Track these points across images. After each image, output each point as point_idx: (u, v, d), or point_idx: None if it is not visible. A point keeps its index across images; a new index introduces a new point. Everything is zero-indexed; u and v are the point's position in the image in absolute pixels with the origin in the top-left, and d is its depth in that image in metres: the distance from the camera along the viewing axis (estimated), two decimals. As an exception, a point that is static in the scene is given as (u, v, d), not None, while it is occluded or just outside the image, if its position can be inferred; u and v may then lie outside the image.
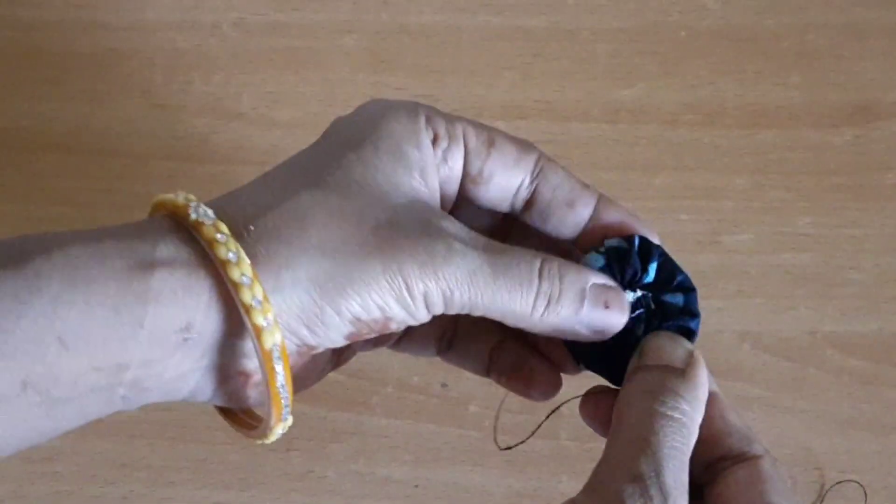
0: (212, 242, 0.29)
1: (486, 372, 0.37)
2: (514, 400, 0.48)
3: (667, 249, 0.49)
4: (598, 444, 0.47)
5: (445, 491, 0.47)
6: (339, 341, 0.31)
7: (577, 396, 0.35)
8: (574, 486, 0.47)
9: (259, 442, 0.33)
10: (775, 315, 0.48)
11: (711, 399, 0.32)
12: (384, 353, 0.48)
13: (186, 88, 0.51)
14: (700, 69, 0.51)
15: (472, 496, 0.47)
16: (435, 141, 0.33)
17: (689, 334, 0.34)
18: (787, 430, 0.48)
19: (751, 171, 0.50)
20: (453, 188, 0.34)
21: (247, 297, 0.29)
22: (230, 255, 0.29)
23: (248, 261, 0.29)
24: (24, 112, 0.51)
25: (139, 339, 0.28)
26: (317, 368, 0.34)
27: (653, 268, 0.34)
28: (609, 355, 0.33)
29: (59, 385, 0.28)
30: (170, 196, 0.31)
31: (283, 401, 0.30)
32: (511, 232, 0.35)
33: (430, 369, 0.48)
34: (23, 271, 0.28)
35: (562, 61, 0.51)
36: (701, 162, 0.50)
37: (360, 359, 0.48)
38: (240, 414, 0.33)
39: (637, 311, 0.34)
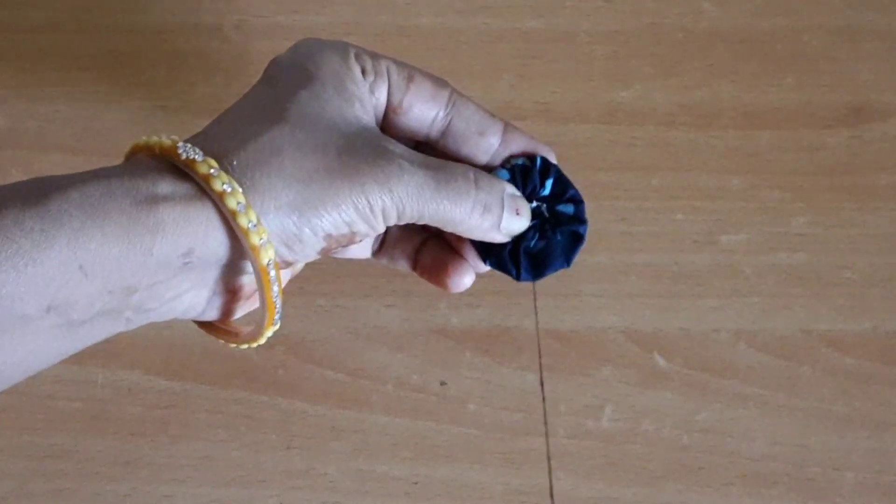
0: (207, 177, 0.33)
1: (412, 268, 0.42)
2: (512, 399, 0.48)
3: (664, 248, 0.50)
4: (597, 443, 0.48)
5: (444, 488, 0.47)
6: (312, 256, 0.36)
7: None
8: (571, 484, 0.47)
9: (245, 346, 0.37)
10: (770, 314, 0.49)
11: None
12: (383, 352, 0.48)
13: (189, 90, 0.51)
14: (696, 71, 0.51)
15: (471, 493, 0.47)
16: (363, 74, 0.37)
17: (579, 238, 0.41)
18: (782, 428, 0.48)
19: (746, 171, 0.50)
20: (378, 117, 0.38)
21: (244, 221, 0.33)
22: (225, 186, 0.33)
23: (240, 190, 0.33)
24: (29, 113, 0.51)
25: (148, 265, 0.32)
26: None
27: (549, 183, 0.41)
28: (508, 254, 0.40)
29: (77, 308, 0.32)
30: (154, 139, 0.35)
31: (276, 308, 0.35)
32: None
33: (430, 368, 0.48)
34: (46, 208, 0.31)
35: (559, 63, 0.51)
36: (697, 163, 0.50)
37: (360, 358, 0.49)
38: (221, 325, 0.38)
39: (534, 220, 0.40)
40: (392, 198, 0.35)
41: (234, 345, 0.38)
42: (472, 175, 0.37)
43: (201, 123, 0.50)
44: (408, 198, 0.35)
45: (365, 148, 0.35)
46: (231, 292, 0.36)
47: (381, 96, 0.38)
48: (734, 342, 0.49)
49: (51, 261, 0.31)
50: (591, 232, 0.49)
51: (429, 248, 0.42)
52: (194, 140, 0.35)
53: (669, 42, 0.52)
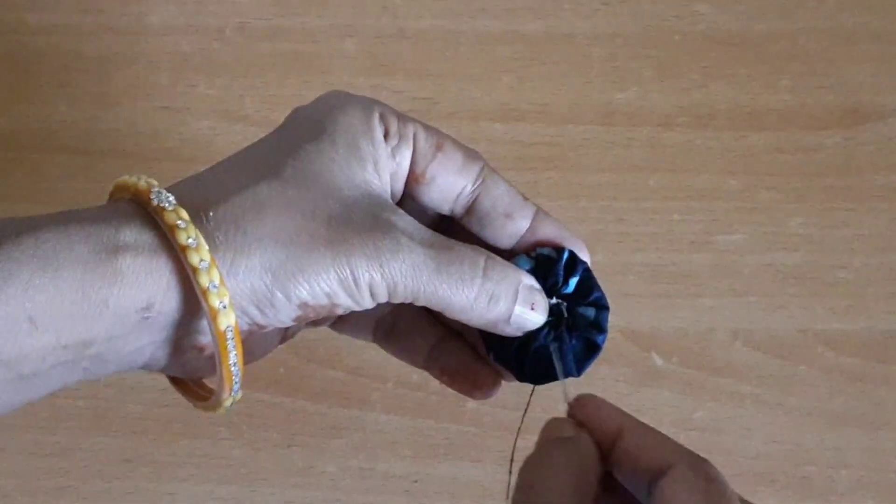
0: (172, 228, 0.31)
1: (423, 365, 0.39)
2: (511, 398, 0.49)
3: (661, 248, 0.50)
4: (594, 440, 0.48)
5: (444, 486, 0.48)
6: (287, 322, 0.33)
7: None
8: (570, 481, 0.48)
9: (208, 412, 0.34)
10: (767, 313, 0.49)
11: (619, 431, 0.33)
12: (383, 351, 0.49)
13: (190, 91, 0.52)
14: (693, 73, 0.52)
15: (471, 491, 0.48)
16: (386, 137, 0.34)
17: (595, 347, 0.37)
18: (778, 427, 0.48)
19: (743, 172, 0.51)
20: (399, 185, 0.35)
21: (204, 280, 0.30)
22: (190, 240, 0.30)
23: (206, 246, 0.31)
24: (32, 114, 0.51)
25: (104, 319, 0.30)
26: (265, 343, 0.36)
27: (574, 281, 0.37)
28: (515, 350, 0.36)
29: (28, 362, 0.30)
30: (132, 179, 0.32)
31: (234, 377, 0.32)
32: (449, 233, 0.36)
33: (429, 367, 0.49)
34: None
35: (558, 65, 0.52)
36: (694, 163, 0.51)
37: (361, 357, 0.49)
38: (191, 384, 0.35)
39: (550, 318, 0.36)
40: (382, 274, 0.32)
41: (198, 408, 0.35)
42: (482, 261, 0.34)
43: (204, 125, 0.51)
44: (401, 276, 0.32)
45: (362, 216, 0.33)
46: (196, 349, 0.33)
47: (404, 162, 0.35)
48: (731, 341, 0.49)
49: None
50: (589, 232, 0.50)
51: (448, 347, 0.38)
52: (180, 185, 0.33)
53: (666, 44, 0.52)
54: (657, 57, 0.52)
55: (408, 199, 0.36)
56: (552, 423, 0.35)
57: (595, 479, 0.32)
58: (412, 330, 0.38)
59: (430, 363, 0.38)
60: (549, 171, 0.51)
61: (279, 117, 0.52)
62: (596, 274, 0.50)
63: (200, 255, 0.30)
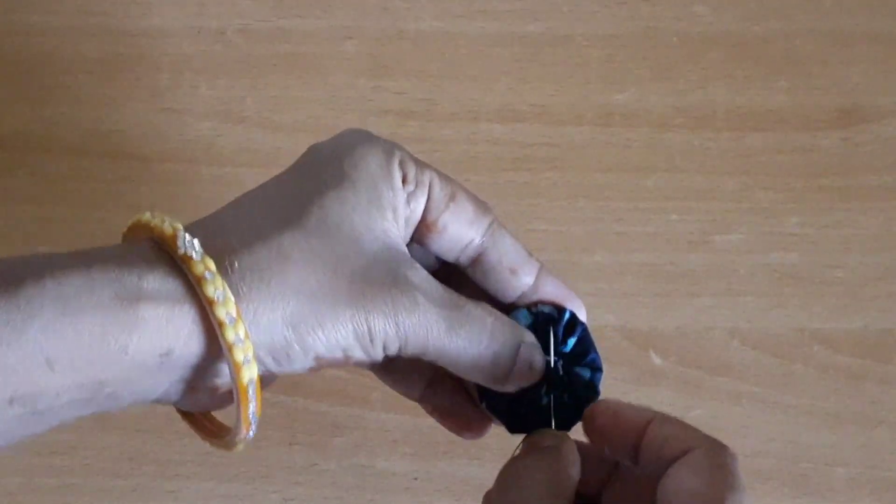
0: (200, 279, 0.30)
1: (417, 400, 0.39)
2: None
3: (659, 248, 0.50)
4: (592, 438, 0.48)
5: (444, 483, 0.48)
6: (299, 371, 0.33)
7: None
8: (568, 479, 0.48)
9: (219, 449, 0.35)
10: (764, 313, 0.50)
11: (646, 425, 0.34)
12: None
13: (192, 93, 0.52)
14: (691, 74, 0.52)
15: (470, 488, 0.48)
16: (403, 182, 0.35)
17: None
18: (775, 425, 0.49)
19: (740, 172, 0.51)
20: (409, 230, 0.35)
21: (230, 335, 0.30)
22: (217, 294, 0.30)
23: (233, 300, 0.31)
24: (35, 116, 0.52)
25: (122, 363, 0.30)
26: (267, 379, 0.36)
27: (572, 341, 0.37)
28: (508, 403, 0.36)
29: (43, 399, 0.30)
30: (155, 221, 0.32)
31: (251, 425, 0.32)
32: (451, 278, 0.36)
33: (429, 366, 0.49)
34: (15, 298, 0.29)
35: (556, 66, 0.52)
36: (692, 164, 0.51)
37: (361, 356, 0.49)
38: (199, 417, 0.36)
39: (546, 373, 0.37)
40: (397, 330, 0.33)
41: (209, 444, 0.35)
42: (489, 322, 0.35)
43: (205, 126, 0.52)
44: (413, 334, 0.33)
45: (381, 273, 0.33)
46: (211, 390, 0.33)
47: (418, 209, 0.35)
48: (728, 340, 0.49)
49: (15, 354, 0.29)
50: (588, 232, 0.50)
51: (443, 387, 0.39)
52: (202, 226, 0.33)
53: (664, 46, 0.52)
54: (655, 58, 0.52)
55: (413, 244, 0.36)
56: (534, 434, 0.36)
57: (572, 485, 0.33)
58: (409, 367, 0.38)
59: (424, 400, 0.39)
60: (547, 171, 0.51)
61: (280, 118, 0.52)
62: (594, 273, 0.50)
63: (227, 309, 0.30)
